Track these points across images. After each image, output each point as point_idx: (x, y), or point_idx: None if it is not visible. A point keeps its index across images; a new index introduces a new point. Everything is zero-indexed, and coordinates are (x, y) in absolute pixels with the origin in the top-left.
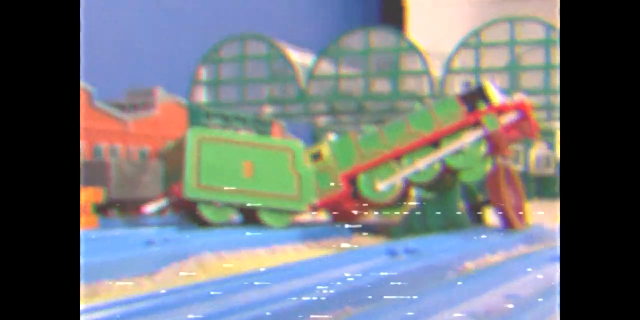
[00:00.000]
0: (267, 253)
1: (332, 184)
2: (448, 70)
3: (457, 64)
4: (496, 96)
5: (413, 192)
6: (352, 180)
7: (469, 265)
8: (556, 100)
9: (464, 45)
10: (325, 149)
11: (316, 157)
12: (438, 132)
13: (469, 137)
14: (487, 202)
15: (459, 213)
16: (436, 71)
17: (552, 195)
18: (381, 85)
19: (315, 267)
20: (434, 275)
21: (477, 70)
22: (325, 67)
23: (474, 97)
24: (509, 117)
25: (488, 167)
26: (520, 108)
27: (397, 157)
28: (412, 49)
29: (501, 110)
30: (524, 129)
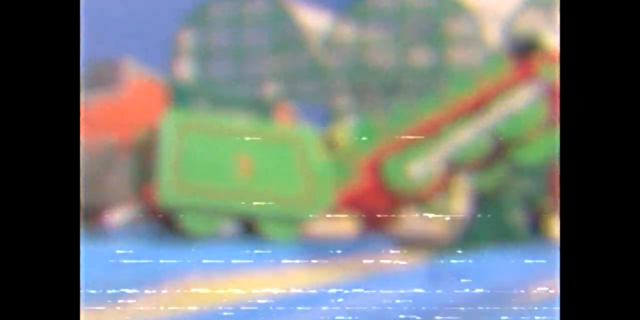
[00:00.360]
0: (270, 276)
1: (352, 175)
2: (508, 36)
3: (519, 28)
4: (551, 40)
5: (459, 179)
6: (378, 168)
7: (539, 291)
8: None
9: (528, 3)
10: (342, 133)
11: (332, 144)
12: (483, 94)
13: (522, 95)
14: (551, 208)
15: (516, 221)
16: (493, 38)
17: None
18: (420, 57)
19: (333, 295)
20: (495, 305)
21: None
22: (347, 33)
23: (526, 49)
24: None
25: (555, 142)
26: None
27: (434, 132)
28: (460, 8)
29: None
30: None
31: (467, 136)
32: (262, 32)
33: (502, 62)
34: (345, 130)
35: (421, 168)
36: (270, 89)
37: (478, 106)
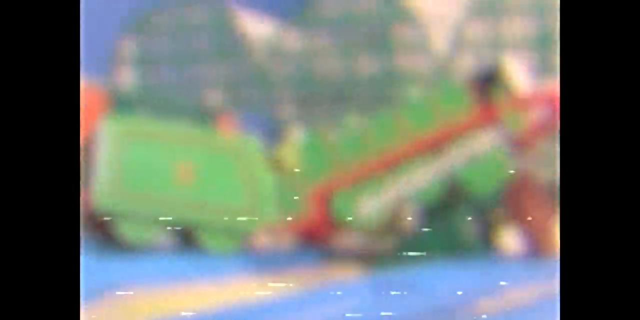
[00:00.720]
0: (209, 288)
1: (297, 203)
2: (457, 43)
3: (470, 34)
4: (519, 81)
5: (408, 216)
6: (326, 199)
7: (488, 304)
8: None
9: (478, 9)
10: (288, 152)
11: (277, 164)
12: (441, 132)
13: (485, 139)
14: (504, 220)
15: (465, 233)
16: (442, 44)
17: None
18: (367, 64)
19: (274, 308)
20: (441, 318)
21: (497, 44)
22: (292, 40)
23: (489, 82)
24: (539, 113)
25: (507, 173)
26: (552, 101)
27: (388, 167)
28: (408, 14)
29: (527, 104)
30: (549, 128)
31: (423, 177)
32: (205, 39)
33: (463, 98)
34: (292, 153)
35: (373, 205)
36: (213, 97)
37: (436, 146)
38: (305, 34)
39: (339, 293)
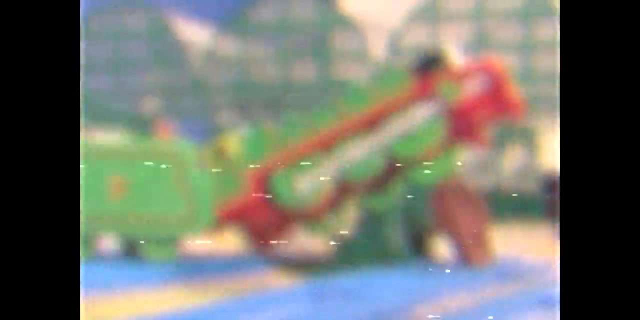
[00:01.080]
0: (149, 297)
1: (238, 188)
2: (394, 50)
3: (406, 42)
4: (455, 57)
5: (349, 198)
6: (265, 181)
7: (424, 311)
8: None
9: (415, 17)
10: (230, 143)
11: (218, 154)
12: (379, 111)
13: (419, 113)
14: (433, 228)
15: (396, 241)
16: (379, 52)
17: (535, 217)
18: (304, 71)
19: (212, 316)
20: None
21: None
22: (229, 47)
23: (429, 66)
24: (475, 85)
25: (455, 161)
26: (489, 71)
27: (326, 147)
28: (346, 21)
29: (463, 76)
30: (498, 104)
31: (360, 154)
32: (141, 46)
33: (399, 78)
34: (233, 140)
35: (310, 184)
36: (150, 104)
37: (373, 123)
38: (243, 41)
39: (275, 300)
